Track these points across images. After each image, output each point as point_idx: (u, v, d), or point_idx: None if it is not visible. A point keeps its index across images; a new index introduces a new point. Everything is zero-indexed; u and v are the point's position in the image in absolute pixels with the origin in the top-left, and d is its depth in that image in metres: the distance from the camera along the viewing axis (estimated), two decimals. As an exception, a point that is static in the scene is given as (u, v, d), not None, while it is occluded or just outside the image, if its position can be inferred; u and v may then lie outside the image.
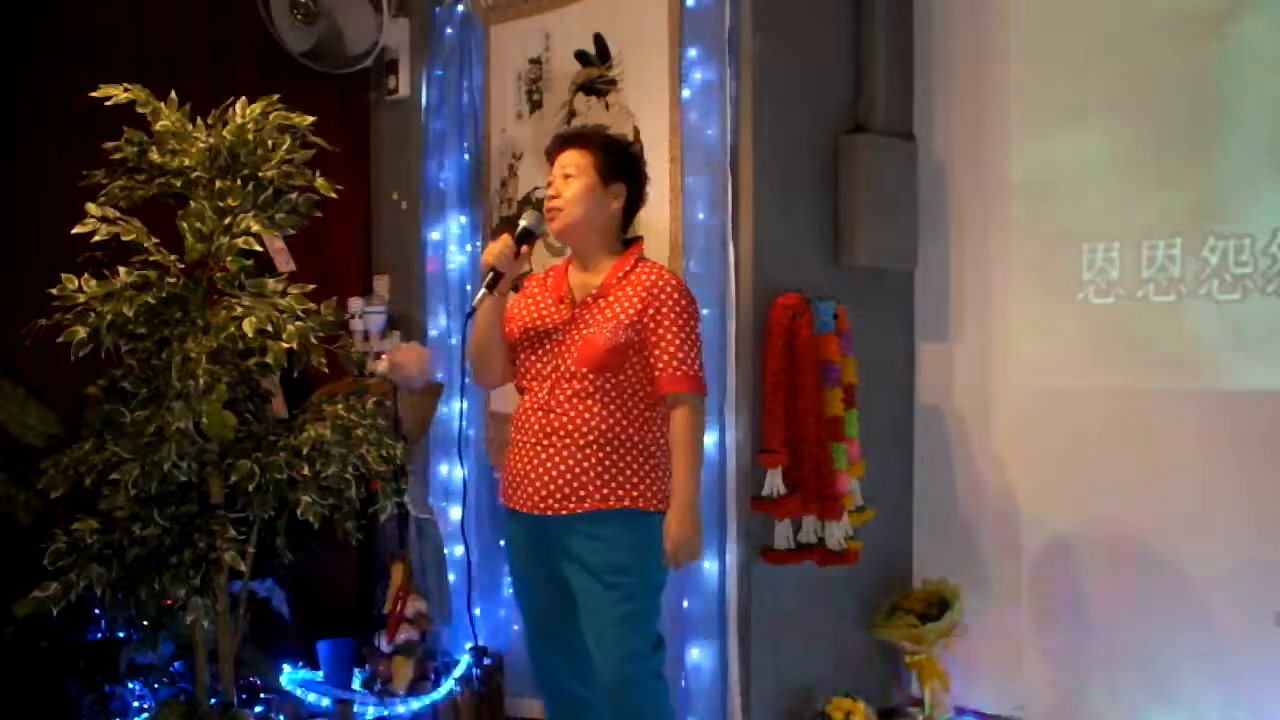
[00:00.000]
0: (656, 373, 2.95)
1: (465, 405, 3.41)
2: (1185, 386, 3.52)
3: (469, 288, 4.45)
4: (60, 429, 3.84)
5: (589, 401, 2.92)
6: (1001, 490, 3.90)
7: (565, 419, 2.93)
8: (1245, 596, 3.39)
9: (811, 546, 3.64)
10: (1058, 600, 3.78)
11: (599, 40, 3.92)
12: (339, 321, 3.40)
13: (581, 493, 2.92)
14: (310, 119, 3.40)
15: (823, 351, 3.62)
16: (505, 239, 3.02)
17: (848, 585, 3.85)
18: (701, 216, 3.66)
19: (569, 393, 2.93)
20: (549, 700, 3.19)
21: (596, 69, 3.94)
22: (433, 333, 4.48)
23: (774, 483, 3.57)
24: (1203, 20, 3.48)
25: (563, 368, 2.95)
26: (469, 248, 4.45)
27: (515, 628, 4.18)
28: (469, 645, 4.29)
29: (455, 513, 4.41)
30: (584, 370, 2.93)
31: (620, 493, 2.93)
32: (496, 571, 4.32)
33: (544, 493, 2.94)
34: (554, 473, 2.93)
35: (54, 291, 3.07)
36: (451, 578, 4.29)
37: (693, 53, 3.65)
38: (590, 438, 2.92)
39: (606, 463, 2.92)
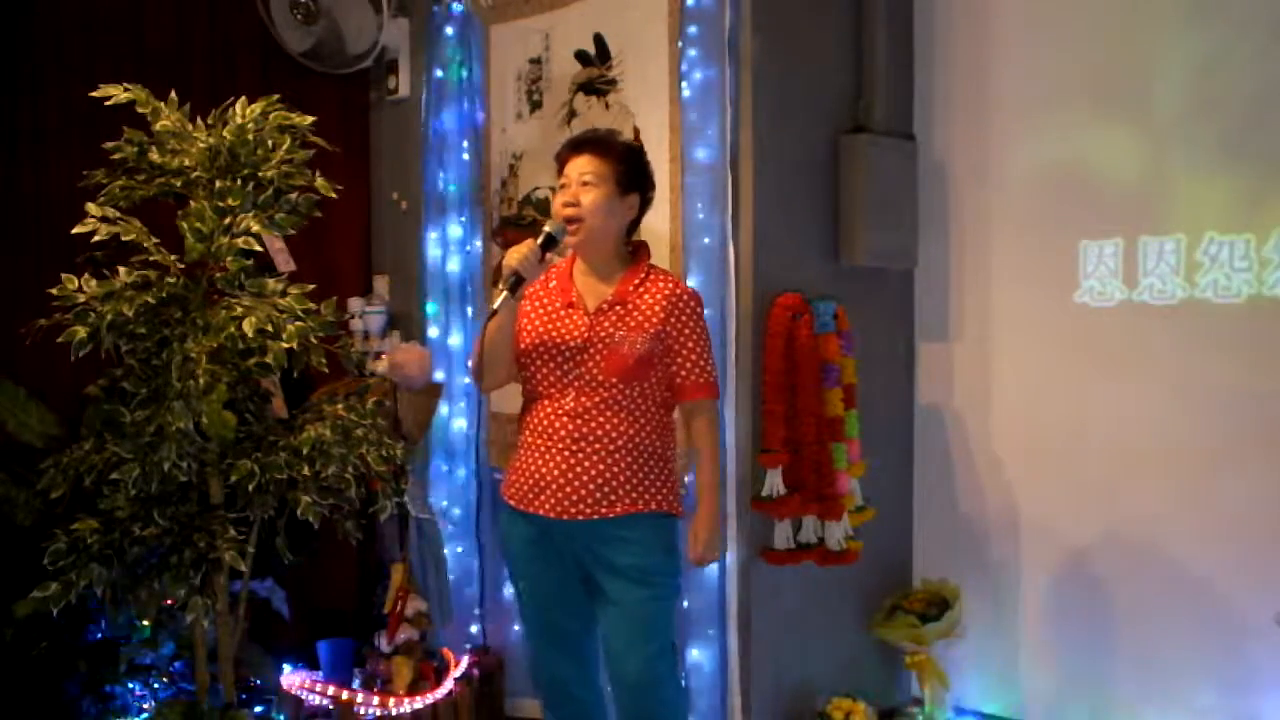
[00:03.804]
0: (678, 380, 3.01)
1: (490, 405, 3.31)
2: (1185, 387, 3.52)
3: (469, 288, 4.45)
4: (60, 429, 3.84)
5: (616, 409, 2.96)
6: (1001, 490, 3.90)
7: (595, 425, 2.95)
8: (1245, 596, 3.39)
9: (811, 546, 3.65)
10: (1057, 600, 3.79)
11: (599, 40, 3.92)
12: (339, 321, 3.39)
13: (613, 497, 2.95)
14: (310, 119, 3.39)
15: (823, 351, 3.62)
16: (530, 243, 2.96)
17: (848, 585, 3.85)
18: (701, 216, 3.66)
19: (596, 400, 2.95)
20: (554, 704, 3.17)
21: (596, 69, 3.94)
22: (433, 333, 4.48)
23: (774, 483, 3.57)
24: (1204, 19, 3.48)
25: (587, 376, 2.96)
26: (469, 248, 4.46)
27: (515, 627, 4.18)
28: (469, 645, 4.30)
29: (455, 512, 4.42)
30: (613, 380, 2.95)
31: (647, 496, 2.97)
32: (497, 571, 4.32)
33: (574, 498, 2.95)
34: (585, 478, 2.95)
35: (54, 291, 3.05)
36: (451, 578, 4.29)
37: (693, 53, 3.65)
38: (619, 443, 2.95)
39: (634, 467, 2.96)
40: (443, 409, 4.36)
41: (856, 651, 3.90)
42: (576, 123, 3.98)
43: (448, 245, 4.46)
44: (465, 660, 4.16)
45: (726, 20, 3.58)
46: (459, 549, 4.40)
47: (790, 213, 3.72)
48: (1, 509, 3.73)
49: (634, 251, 3.10)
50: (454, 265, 4.46)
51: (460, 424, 4.45)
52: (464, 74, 4.40)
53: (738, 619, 3.62)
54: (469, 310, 4.45)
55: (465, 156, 4.44)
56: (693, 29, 3.65)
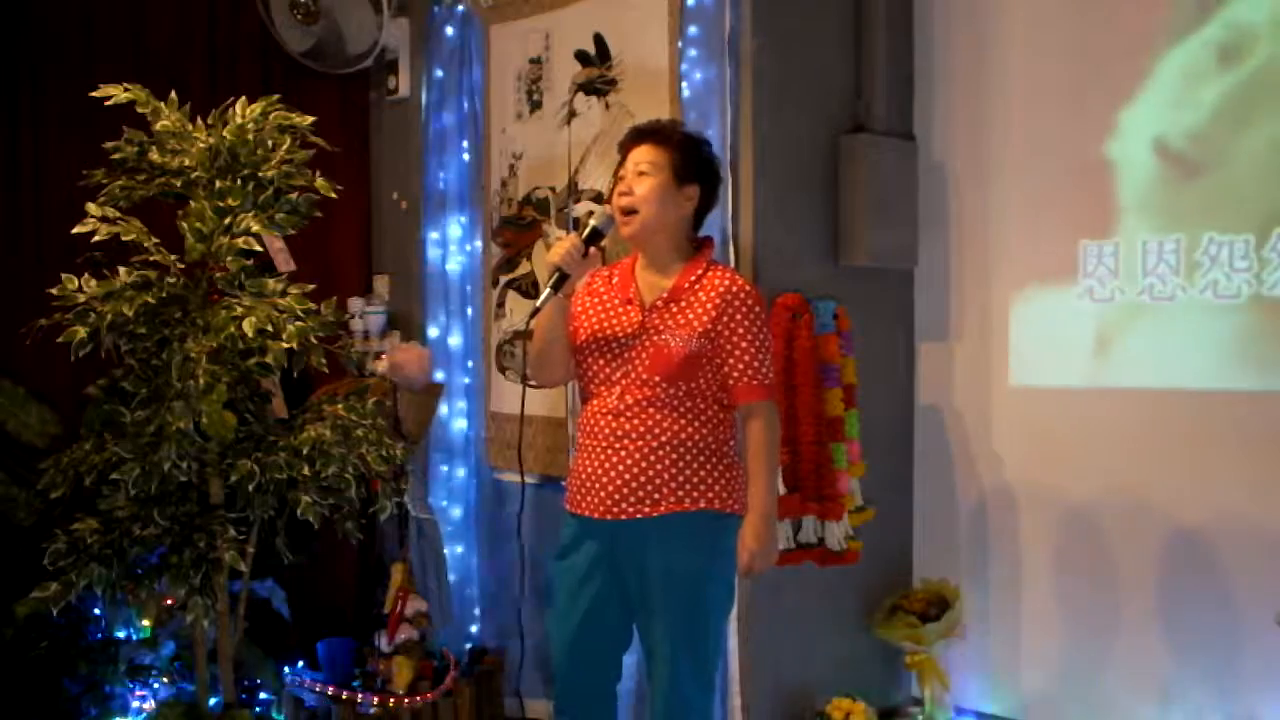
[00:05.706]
0: (731, 382, 2.87)
1: (523, 406, 3.16)
2: (1184, 387, 3.52)
3: (469, 288, 4.45)
4: (60, 429, 3.84)
5: (660, 406, 2.84)
6: (1001, 490, 3.90)
7: (637, 422, 2.84)
8: (1245, 596, 3.39)
9: (811, 546, 3.64)
10: (1057, 600, 3.78)
11: (599, 40, 3.92)
12: (339, 321, 3.39)
13: (656, 495, 2.83)
14: (310, 119, 3.39)
15: (823, 351, 3.62)
16: (573, 239, 2.90)
17: (848, 585, 3.85)
18: (702, 216, 3.65)
19: (639, 398, 2.85)
20: (564, 708, 3.03)
21: (596, 69, 3.94)
22: (432, 333, 4.48)
23: (774, 483, 3.57)
24: (1203, 21, 3.48)
25: (634, 374, 2.86)
26: (469, 248, 4.46)
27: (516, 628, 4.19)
28: (469, 645, 4.30)
29: (455, 512, 4.43)
30: (657, 379, 2.84)
31: (695, 494, 2.84)
32: (496, 571, 4.32)
33: (616, 496, 2.85)
34: (626, 475, 2.84)
35: (54, 291, 3.06)
36: (451, 578, 4.29)
37: (693, 53, 3.65)
38: (661, 439, 2.83)
39: (680, 464, 2.84)
40: (443, 409, 4.36)
41: (856, 651, 3.90)
42: (576, 123, 3.99)
43: (448, 245, 4.46)
44: (465, 660, 4.16)
45: (726, 20, 3.58)
46: (459, 549, 4.40)
47: (790, 213, 3.72)
48: (1, 509, 3.73)
49: (697, 246, 2.98)
50: (454, 265, 4.46)
51: (460, 424, 4.45)
52: (464, 74, 4.40)
53: (738, 619, 3.62)
54: (469, 310, 4.46)
55: (465, 156, 4.44)
56: (693, 29, 3.65)
